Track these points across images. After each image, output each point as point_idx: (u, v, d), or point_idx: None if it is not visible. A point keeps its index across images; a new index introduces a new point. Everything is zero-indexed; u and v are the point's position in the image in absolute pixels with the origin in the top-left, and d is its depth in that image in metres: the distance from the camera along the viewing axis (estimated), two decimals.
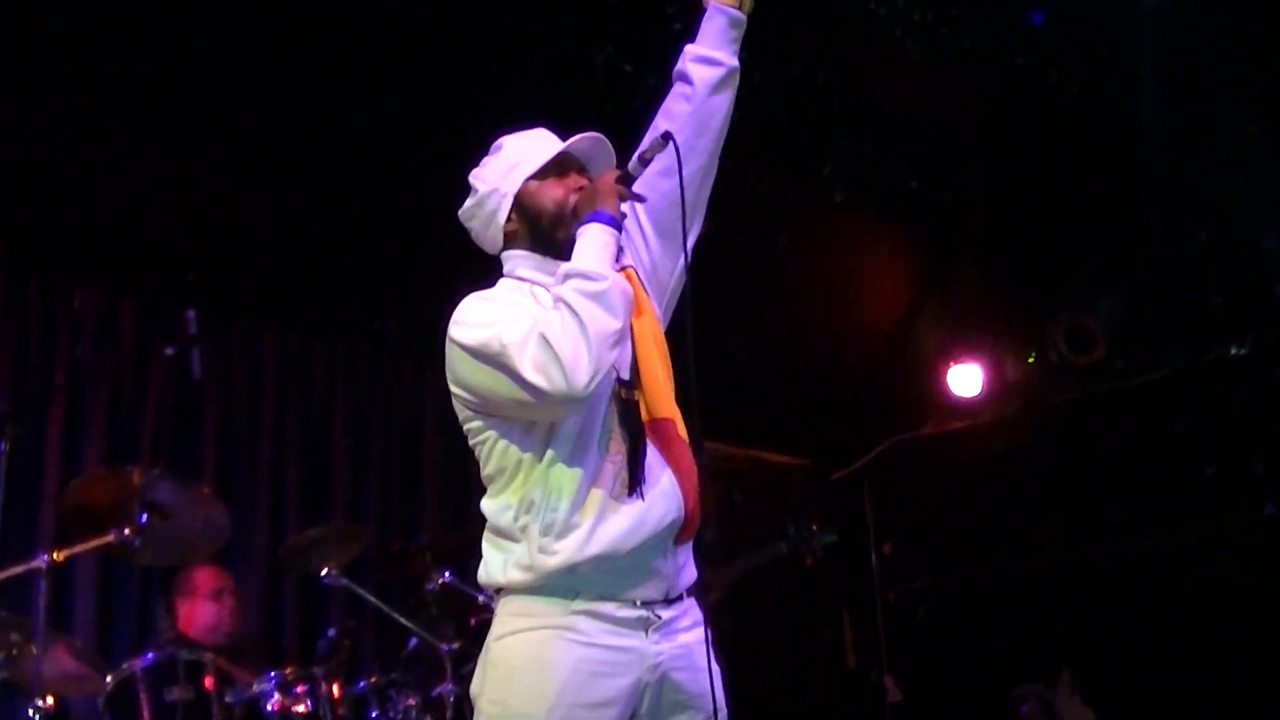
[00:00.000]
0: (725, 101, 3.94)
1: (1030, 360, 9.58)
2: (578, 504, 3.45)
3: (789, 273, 9.13)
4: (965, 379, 9.80)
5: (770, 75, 7.83)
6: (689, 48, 3.92)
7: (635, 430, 3.55)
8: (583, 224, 3.55)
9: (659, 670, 3.53)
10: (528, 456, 3.52)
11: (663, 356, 3.71)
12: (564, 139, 3.80)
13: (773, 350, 9.55)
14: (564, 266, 3.49)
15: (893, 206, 9.12)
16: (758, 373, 9.64)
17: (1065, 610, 9.60)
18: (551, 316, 3.37)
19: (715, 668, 3.64)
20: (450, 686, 6.36)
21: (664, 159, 3.68)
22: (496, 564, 3.56)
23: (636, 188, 3.68)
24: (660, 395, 3.62)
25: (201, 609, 6.97)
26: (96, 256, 7.52)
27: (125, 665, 6.00)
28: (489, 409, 3.55)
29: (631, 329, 3.61)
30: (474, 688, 3.58)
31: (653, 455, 3.54)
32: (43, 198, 7.09)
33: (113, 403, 7.61)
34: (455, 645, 6.46)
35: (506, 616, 3.55)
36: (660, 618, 3.55)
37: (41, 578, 5.76)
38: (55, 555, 5.84)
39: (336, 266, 7.99)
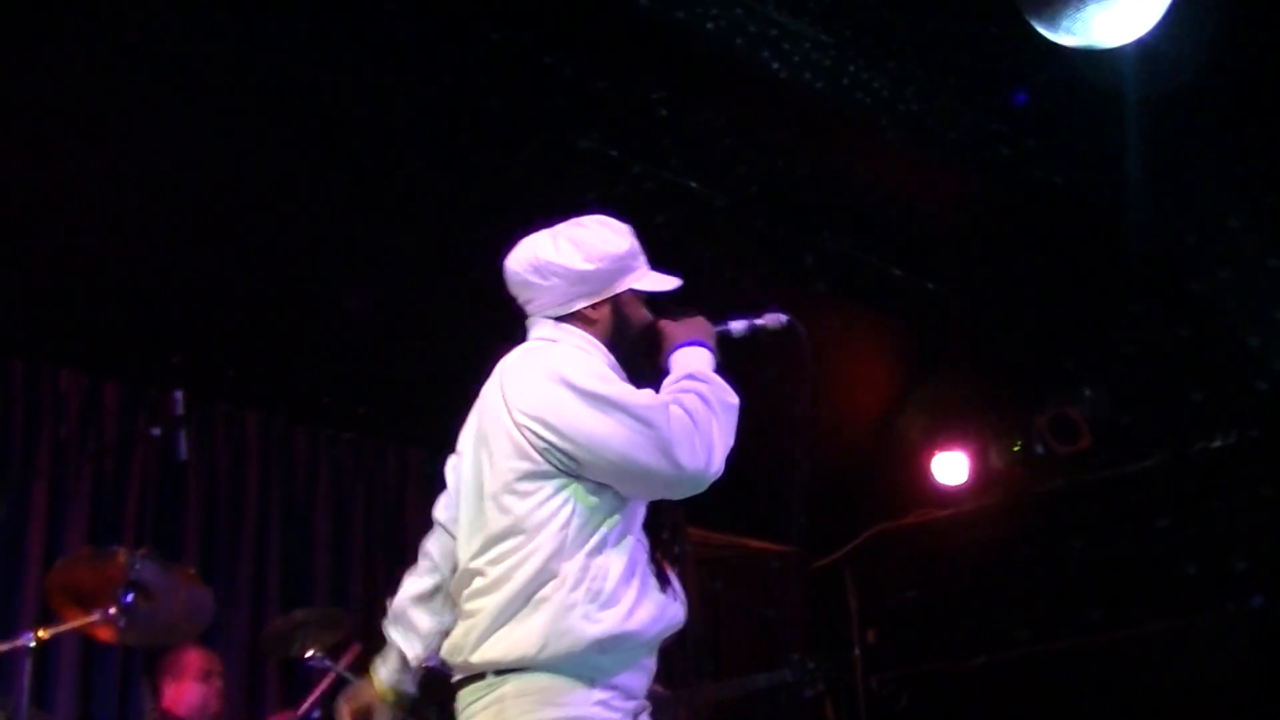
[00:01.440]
0: None
1: (1015, 450, 9.58)
2: (625, 580, 3.41)
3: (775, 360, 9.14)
4: (950, 467, 9.80)
5: (755, 165, 7.89)
6: None
7: (679, 529, 3.55)
8: (689, 345, 3.59)
9: None
10: (593, 524, 3.44)
11: None
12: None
13: (756, 437, 9.54)
14: (690, 370, 3.51)
15: (878, 296, 9.15)
16: (743, 459, 9.63)
17: (1047, 702, 9.57)
18: (689, 401, 3.39)
19: None
20: None
21: None
22: (517, 634, 3.40)
23: None
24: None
25: (189, 690, 6.93)
26: (81, 338, 7.52)
27: None
28: (583, 461, 3.43)
29: None
30: None
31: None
32: (29, 279, 7.09)
33: (95, 484, 7.59)
34: None
35: (529, 702, 3.38)
36: (646, 706, 3.54)
37: (26, 657, 5.73)
38: (41, 634, 5.81)
39: (320, 351, 8.00)
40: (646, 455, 3.33)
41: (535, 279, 3.72)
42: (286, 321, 7.71)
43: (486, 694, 3.43)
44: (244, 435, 8.23)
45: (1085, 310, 8.92)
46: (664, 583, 3.52)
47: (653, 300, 3.72)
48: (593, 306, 3.69)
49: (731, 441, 3.39)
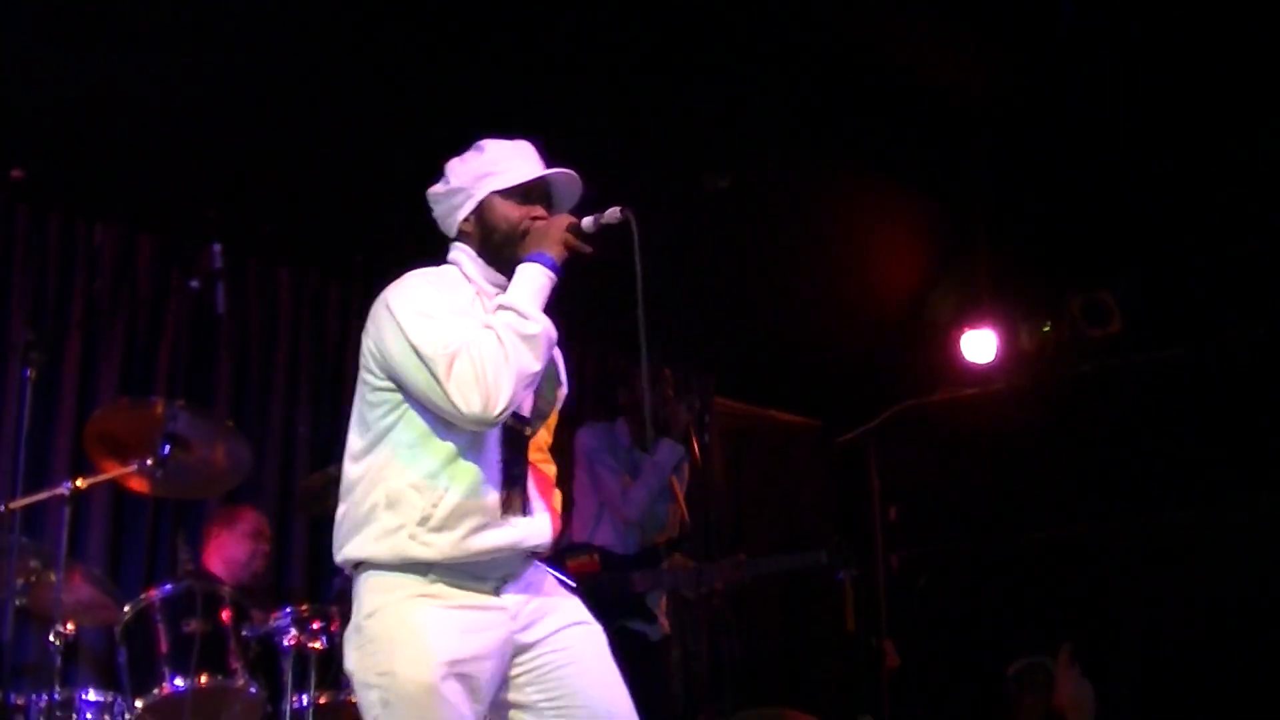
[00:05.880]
0: None
1: (1045, 330, 9.52)
2: (463, 509, 3.67)
3: (807, 235, 9.13)
4: (979, 345, 9.70)
5: (794, 41, 7.83)
6: None
7: (521, 459, 3.85)
8: (527, 260, 3.78)
9: (519, 615, 3.78)
10: (428, 441, 3.72)
11: (551, 428, 4.08)
12: (544, 159, 4.02)
13: (788, 310, 9.55)
14: (501, 298, 3.73)
15: (912, 173, 9.10)
16: (772, 332, 9.65)
17: (1067, 583, 9.61)
18: (484, 343, 3.60)
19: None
20: None
21: None
22: (359, 540, 3.73)
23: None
24: (544, 446, 4.02)
25: (237, 544, 7.01)
26: (117, 191, 7.51)
27: (143, 595, 6.01)
28: (398, 385, 3.74)
29: (556, 395, 4.04)
30: (350, 664, 3.73)
31: (537, 488, 3.90)
32: (67, 131, 7.07)
33: (129, 337, 7.62)
34: None
35: (371, 594, 3.71)
36: (507, 579, 3.81)
37: (64, 505, 5.77)
38: (79, 483, 5.85)
39: (355, 209, 7.98)
40: (434, 396, 3.61)
41: (432, 207, 4.10)
42: (323, 179, 7.68)
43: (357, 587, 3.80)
44: (277, 291, 8.23)
45: (1122, 192, 8.84)
46: (522, 509, 3.79)
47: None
48: (466, 219, 3.97)
49: (531, 367, 3.63)
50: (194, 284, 6.39)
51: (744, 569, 7.26)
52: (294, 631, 6.06)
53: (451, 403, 3.55)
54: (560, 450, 4.16)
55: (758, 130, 8.29)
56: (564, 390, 4.12)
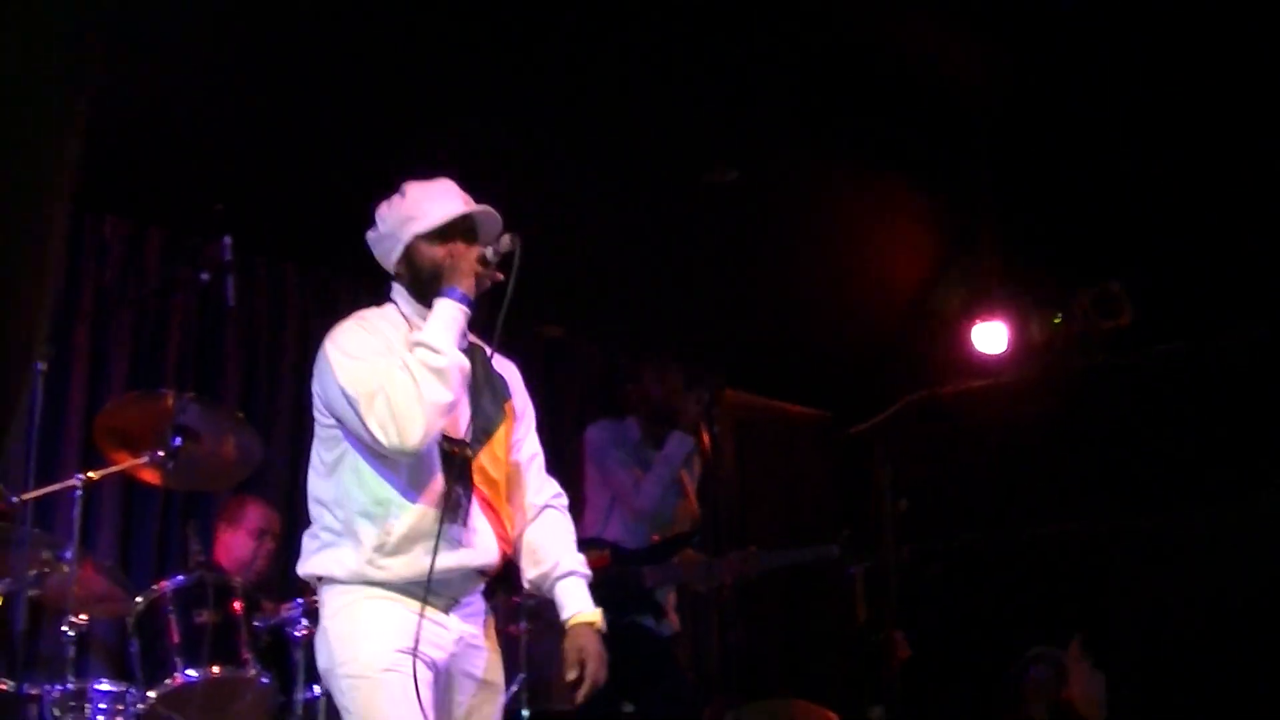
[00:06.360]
0: None
1: (1056, 322, 9.49)
2: (413, 535, 3.99)
3: (815, 227, 9.12)
4: (990, 337, 9.64)
5: (800, 37, 7.82)
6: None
7: (466, 483, 4.10)
8: (441, 296, 4.08)
9: (461, 643, 4.13)
10: (372, 472, 4.05)
11: (507, 447, 4.34)
12: (465, 193, 4.30)
13: (797, 302, 9.54)
14: (414, 335, 4.05)
15: (919, 165, 9.08)
16: (782, 324, 9.64)
17: (1079, 576, 9.60)
18: (397, 379, 3.90)
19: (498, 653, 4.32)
20: None
21: None
22: (320, 559, 4.14)
23: None
24: (494, 466, 4.22)
25: (240, 541, 7.00)
26: (126, 185, 7.51)
27: (155, 586, 6.03)
28: (339, 423, 4.07)
29: (505, 409, 4.32)
30: (322, 664, 4.10)
31: (482, 509, 4.15)
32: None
33: (137, 330, 7.65)
34: None
35: (333, 599, 4.10)
36: (458, 601, 4.14)
37: (75, 497, 5.79)
38: (90, 475, 5.87)
39: (364, 204, 7.96)
40: (360, 431, 3.93)
41: (372, 250, 4.45)
42: (332, 174, 7.68)
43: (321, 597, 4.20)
44: (285, 286, 8.25)
45: (1130, 185, 8.81)
46: (454, 529, 4.04)
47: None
48: (398, 263, 4.31)
49: (443, 398, 3.92)
50: (204, 277, 6.42)
51: (755, 562, 7.26)
52: (305, 622, 6.07)
53: (373, 437, 3.87)
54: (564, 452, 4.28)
55: (765, 125, 8.28)
56: (517, 403, 4.41)
